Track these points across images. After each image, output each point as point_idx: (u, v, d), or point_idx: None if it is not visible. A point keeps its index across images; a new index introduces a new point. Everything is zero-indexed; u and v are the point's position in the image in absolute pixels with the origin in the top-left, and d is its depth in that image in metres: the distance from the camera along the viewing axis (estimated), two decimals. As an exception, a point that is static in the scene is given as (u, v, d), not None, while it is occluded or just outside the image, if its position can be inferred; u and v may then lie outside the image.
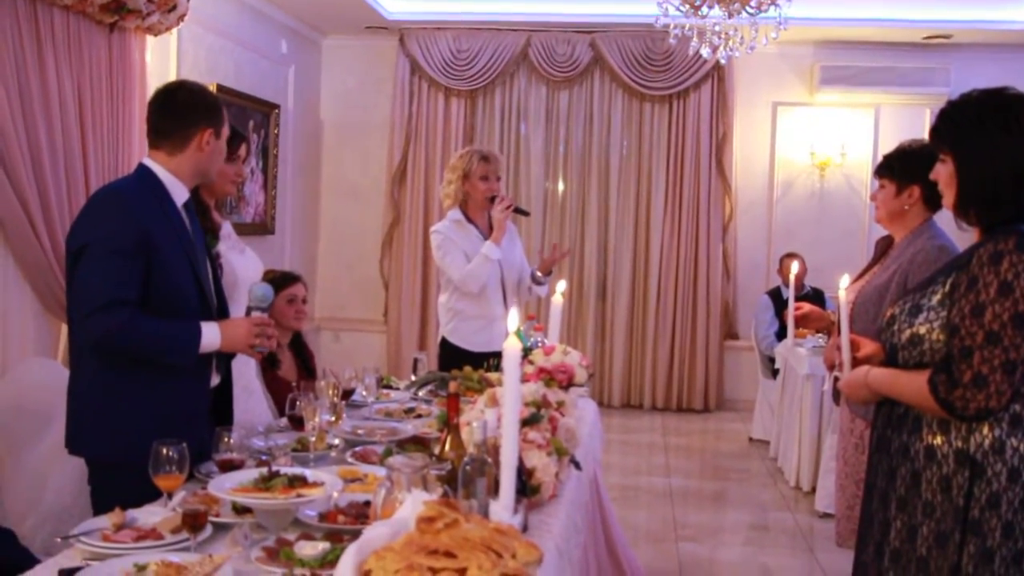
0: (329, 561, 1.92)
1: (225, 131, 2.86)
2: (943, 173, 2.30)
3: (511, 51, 8.20)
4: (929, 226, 3.31)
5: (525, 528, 2.14)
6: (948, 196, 2.30)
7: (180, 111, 2.77)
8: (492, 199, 4.39)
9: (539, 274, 4.54)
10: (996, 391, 2.08)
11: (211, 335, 2.67)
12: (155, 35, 5.30)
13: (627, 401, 8.44)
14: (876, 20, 7.54)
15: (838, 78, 7.94)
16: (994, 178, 2.20)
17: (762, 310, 7.32)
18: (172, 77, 5.69)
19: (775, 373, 6.90)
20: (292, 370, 4.00)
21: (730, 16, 5.64)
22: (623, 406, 8.40)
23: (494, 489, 1.97)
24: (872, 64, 7.90)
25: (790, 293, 3.44)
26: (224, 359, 2.90)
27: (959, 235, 2.51)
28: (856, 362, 2.49)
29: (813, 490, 5.66)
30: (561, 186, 8.40)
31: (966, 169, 2.24)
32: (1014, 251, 2.09)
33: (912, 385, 2.21)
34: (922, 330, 2.22)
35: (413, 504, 1.77)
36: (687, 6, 5.58)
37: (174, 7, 5.12)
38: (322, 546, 1.99)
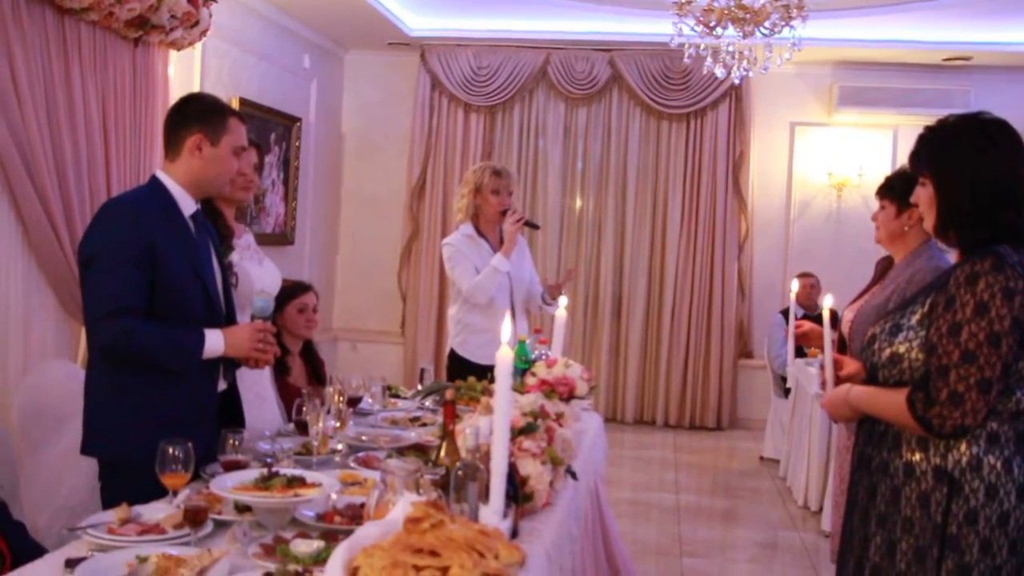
0: (322, 559, 1.96)
1: (229, 140, 2.86)
2: (923, 196, 2.35)
3: (530, 68, 8.28)
4: (928, 247, 3.36)
5: (515, 534, 2.16)
6: (928, 218, 2.35)
7: (175, 118, 2.86)
8: (504, 212, 4.45)
9: (548, 298, 4.59)
10: (972, 409, 2.12)
11: (215, 341, 2.74)
12: (178, 50, 5.41)
13: (640, 418, 8.45)
14: (895, 41, 7.56)
15: (856, 99, 7.95)
16: (972, 200, 2.24)
17: (775, 329, 7.30)
18: (195, 91, 5.81)
19: (787, 392, 6.88)
20: (302, 377, 4.06)
21: (745, 36, 5.68)
22: (636, 422, 8.41)
23: (485, 494, 2.01)
24: (891, 85, 7.91)
25: (791, 311, 3.43)
26: (230, 366, 2.96)
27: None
28: (839, 380, 2.53)
29: (821, 510, 5.64)
30: (578, 202, 8.47)
31: (945, 192, 2.28)
32: (990, 272, 2.13)
33: (891, 403, 2.25)
34: (901, 349, 2.25)
35: (403, 506, 1.81)
36: (701, 26, 5.64)
37: (197, 22, 5.23)
38: (317, 544, 2.04)
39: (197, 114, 2.84)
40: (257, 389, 3.47)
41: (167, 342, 2.70)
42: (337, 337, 8.62)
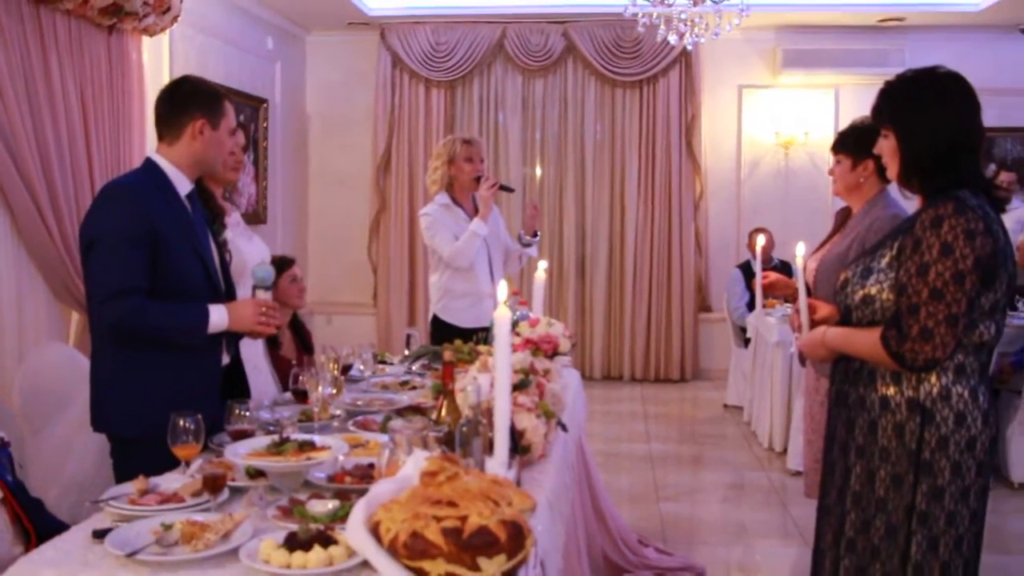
0: (340, 517, 2.03)
1: (226, 123, 2.94)
2: (886, 147, 2.46)
3: (487, 42, 8.46)
4: (884, 196, 3.52)
5: (518, 484, 2.20)
6: (892, 168, 2.47)
7: (175, 102, 2.89)
8: (478, 179, 4.60)
9: (526, 236, 4.76)
10: (941, 342, 2.25)
11: (219, 316, 2.80)
12: (150, 36, 5.50)
13: (607, 373, 8.74)
14: (833, 5, 7.83)
15: (799, 61, 8.23)
16: (932, 149, 2.36)
17: (733, 283, 7.58)
18: (166, 75, 5.89)
19: (747, 342, 7.15)
20: (291, 348, 4.18)
21: (695, 4, 5.89)
22: (604, 378, 8.70)
23: (489, 448, 2.10)
24: (831, 47, 8.19)
25: (757, 264, 3.53)
26: (232, 340, 3.04)
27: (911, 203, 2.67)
28: (814, 324, 2.67)
29: (785, 450, 5.93)
30: (539, 171, 8.66)
31: (906, 142, 2.40)
32: (953, 215, 2.25)
33: (866, 341, 2.38)
34: (873, 290, 2.38)
35: (415, 462, 1.91)
36: (654, -5, 5.85)
37: (168, 9, 5.34)
38: (332, 504, 2.11)
39: (197, 99, 2.89)
40: (254, 361, 3.60)
41: (174, 318, 2.77)
42: (312, 311, 8.70)
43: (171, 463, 2.46)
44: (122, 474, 2.70)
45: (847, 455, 2.49)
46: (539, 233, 4.87)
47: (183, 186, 2.89)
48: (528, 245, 4.80)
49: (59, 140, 4.74)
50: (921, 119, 2.38)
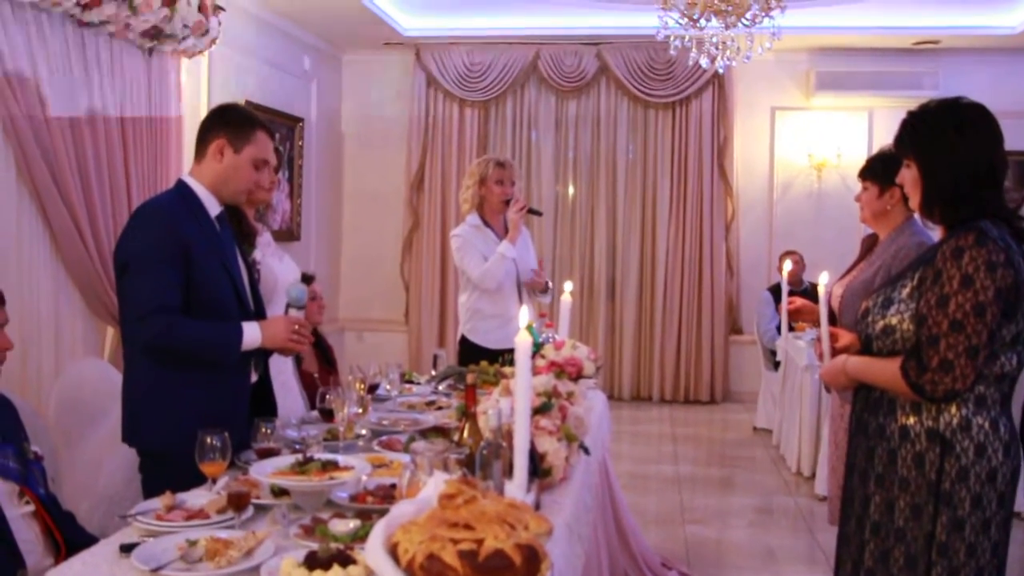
0: (360, 536, 2.05)
1: (251, 151, 2.93)
2: (908, 177, 2.47)
3: (521, 63, 8.54)
4: (910, 224, 3.52)
5: (538, 507, 2.25)
6: (914, 198, 2.47)
7: (206, 122, 2.98)
8: (507, 202, 4.65)
9: (537, 292, 4.82)
10: (961, 374, 2.25)
11: (252, 333, 2.83)
12: (189, 57, 5.63)
13: (637, 394, 8.74)
14: (868, 28, 7.82)
15: (833, 83, 8.23)
16: (954, 180, 2.36)
17: (763, 305, 7.56)
18: (204, 96, 6.03)
19: (777, 365, 7.12)
20: (313, 362, 4.20)
21: (727, 27, 5.90)
22: (633, 399, 8.70)
23: (508, 471, 2.09)
24: (864, 69, 8.17)
25: (783, 289, 3.56)
26: (261, 358, 3.07)
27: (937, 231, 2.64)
28: (835, 352, 2.66)
29: (813, 475, 5.88)
30: (571, 190, 8.72)
31: (928, 173, 2.41)
32: (974, 246, 2.25)
33: (886, 371, 2.38)
34: (894, 320, 2.37)
35: (435, 484, 1.87)
36: (686, 19, 5.85)
37: (207, 31, 5.46)
38: (353, 523, 2.13)
39: (226, 121, 2.95)
40: (282, 379, 3.61)
41: (208, 336, 2.80)
42: (344, 327, 8.84)
43: (198, 479, 2.49)
44: (150, 488, 2.74)
45: (866, 484, 2.49)
46: (546, 289, 4.87)
47: (213, 207, 2.94)
48: (536, 297, 4.84)
49: (98, 159, 4.85)
50: (943, 151, 2.39)
